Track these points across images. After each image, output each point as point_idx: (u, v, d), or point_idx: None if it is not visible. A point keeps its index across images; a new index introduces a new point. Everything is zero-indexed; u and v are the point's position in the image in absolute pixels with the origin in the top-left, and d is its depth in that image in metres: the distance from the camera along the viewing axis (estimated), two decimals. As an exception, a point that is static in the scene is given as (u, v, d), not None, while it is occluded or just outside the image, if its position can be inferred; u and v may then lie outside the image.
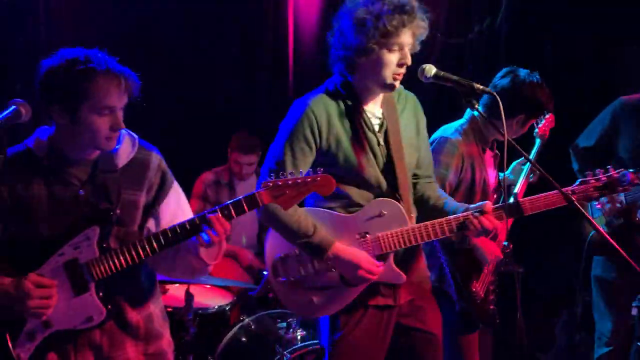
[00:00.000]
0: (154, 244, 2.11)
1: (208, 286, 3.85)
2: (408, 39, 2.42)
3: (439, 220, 2.54)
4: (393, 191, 2.54)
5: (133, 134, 2.24)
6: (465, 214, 2.53)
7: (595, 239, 3.52)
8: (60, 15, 4.06)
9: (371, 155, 2.51)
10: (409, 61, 2.45)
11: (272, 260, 2.55)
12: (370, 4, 2.40)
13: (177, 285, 3.66)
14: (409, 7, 2.39)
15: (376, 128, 2.55)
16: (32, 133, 2.19)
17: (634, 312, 3.74)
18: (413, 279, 2.62)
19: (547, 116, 3.40)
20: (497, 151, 3.16)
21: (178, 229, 2.12)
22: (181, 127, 4.59)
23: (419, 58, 2.52)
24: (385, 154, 2.54)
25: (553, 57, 4.60)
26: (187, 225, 2.12)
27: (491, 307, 3.06)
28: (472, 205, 2.58)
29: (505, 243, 3.08)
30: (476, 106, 2.48)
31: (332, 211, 2.52)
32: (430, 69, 2.46)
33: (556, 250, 4.94)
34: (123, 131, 2.19)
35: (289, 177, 2.12)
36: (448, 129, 3.05)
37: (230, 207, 2.12)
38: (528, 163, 3.22)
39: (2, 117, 1.89)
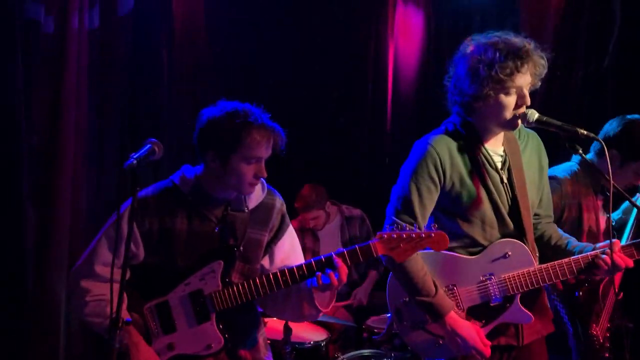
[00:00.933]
0: (274, 281, 2.25)
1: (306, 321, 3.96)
2: (525, 80, 2.43)
3: (567, 259, 2.53)
4: (517, 231, 2.55)
5: (263, 180, 2.41)
6: (594, 252, 2.51)
7: None
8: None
9: (495, 194, 2.53)
10: (527, 102, 2.45)
11: (396, 303, 2.59)
12: (483, 51, 2.41)
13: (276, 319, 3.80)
14: (522, 51, 2.39)
15: (499, 165, 2.56)
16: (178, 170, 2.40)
17: None
18: (538, 319, 2.61)
19: None
20: (607, 193, 3.11)
21: (304, 267, 2.25)
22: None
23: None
24: (509, 192, 2.55)
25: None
26: (314, 264, 2.24)
27: (607, 354, 2.97)
28: (598, 244, 2.55)
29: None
30: (579, 151, 2.49)
31: (454, 253, 2.53)
32: (533, 114, 2.48)
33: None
34: None
35: (406, 230, 2.22)
36: (558, 169, 3.05)
37: (346, 255, 2.23)
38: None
39: (139, 154, 2.07)
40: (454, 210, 2.48)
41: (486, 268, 2.52)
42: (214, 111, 2.28)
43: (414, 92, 5.03)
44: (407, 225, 2.37)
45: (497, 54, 2.38)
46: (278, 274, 2.27)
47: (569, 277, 2.51)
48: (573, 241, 2.64)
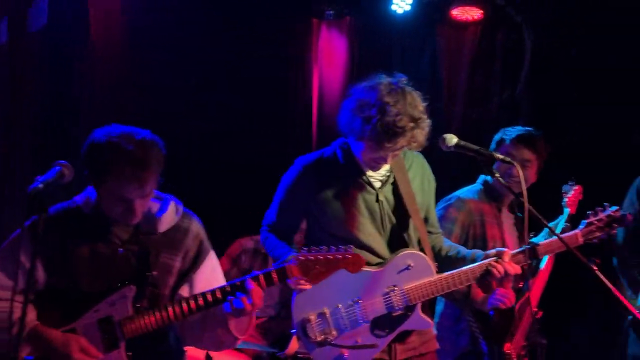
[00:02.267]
0: (186, 306, 2.16)
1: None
2: (393, 149, 2.48)
3: (463, 269, 2.62)
4: (399, 243, 2.63)
5: (179, 202, 2.33)
6: (487, 261, 2.60)
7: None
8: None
9: (366, 213, 2.60)
10: (385, 163, 2.57)
11: (300, 319, 2.58)
12: (370, 104, 2.45)
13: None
14: (399, 128, 2.42)
15: (376, 185, 2.64)
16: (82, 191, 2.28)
17: None
18: (416, 336, 2.65)
19: (575, 187, 3.52)
20: (518, 214, 3.26)
21: (217, 291, 2.17)
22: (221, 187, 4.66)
23: (439, 127, 2.62)
24: (391, 207, 2.63)
25: (577, 131, 4.68)
26: (227, 288, 2.16)
27: None
28: (490, 251, 2.64)
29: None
30: (496, 175, 2.58)
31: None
32: (452, 139, 2.57)
33: (583, 322, 4.87)
34: (170, 199, 2.28)
35: (322, 252, 2.18)
36: (464, 190, 3.24)
37: (260, 278, 2.17)
38: (560, 224, 3.30)
39: (46, 177, 1.97)
40: (324, 226, 2.59)
41: (390, 280, 2.58)
42: (99, 134, 2.15)
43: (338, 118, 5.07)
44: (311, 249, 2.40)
45: (377, 118, 2.42)
46: (190, 299, 2.18)
47: (464, 284, 2.61)
48: (462, 249, 2.75)
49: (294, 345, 2.61)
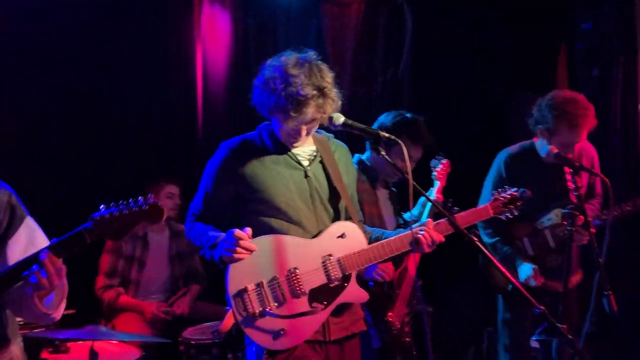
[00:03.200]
0: None
1: (115, 342, 3.67)
2: (303, 119, 2.51)
3: (393, 238, 2.66)
4: (330, 218, 2.64)
5: None
6: (415, 229, 2.64)
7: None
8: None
9: (295, 189, 2.60)
10: (300, 138, 2.60)
11: (236, 291, 2.50)
12: (280, 77, 2.49)
13: (81, 342, 3.48)
14: (305, 98, 2.46)
15: (304, 162, 2.66)
16: None
17: (534, 344, 3.98)
18: (347, 316, 2.67)
19: (443, 161, 3.69)
20: (392, 189, 3.37)
21: (13, 268, 1.99)
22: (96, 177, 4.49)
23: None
24: (319, 184, 2.65)
25: (453, 106, 4.90)
26: (22, 263, 1.99)
27: (407, 339, 3.16)
28: (414, 225, 2.69)
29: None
30: (382, 152, 2.62)
31: (295, 237, 2.57)
32: (339, 118, 2.59)
33: (465, 287, 5.14)
34: None
35: (118, 207, 2.04)
36: None
37: (56, 246, 1.99)
38: (429, 202, 3.43)
39: None
40: (254, 207, 2.58)
41: (326, 249, 2.58)
42: None
43: (224, 93, 4.97)
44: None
45: (281, 89, 2.47)
46: None
47: (397, 252, 2.64)
48: (387, 232, 2.79)
49: (228, 321, 2.50)
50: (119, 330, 3.96)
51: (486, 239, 3.69)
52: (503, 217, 2.93)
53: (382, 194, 3.38)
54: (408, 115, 3.38)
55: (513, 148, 3.70)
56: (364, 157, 3.41)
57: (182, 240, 4.45)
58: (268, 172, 2.61)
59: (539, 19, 4.94)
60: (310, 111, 2.49)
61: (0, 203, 2.12)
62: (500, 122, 5.01)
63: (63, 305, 2.15)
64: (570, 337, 2.36)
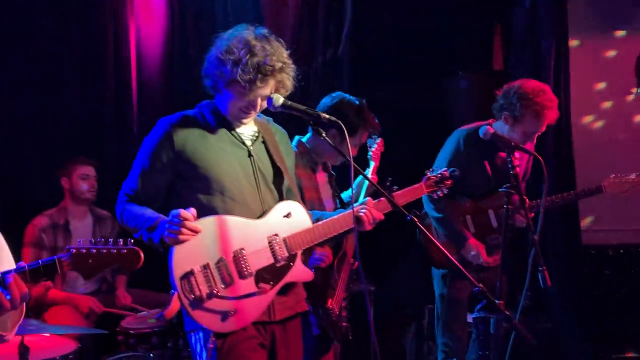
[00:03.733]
0: None
1: (47, 335, 3.47)
2: (261, 92, 2.49)
3: (336, 217, 2.65)
4: (273, 198, 2.61)
5: None
6: (357, 207, 2.65)
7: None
8: None
9: (239, 168, 2.56)
10: (255, 111, 2.55)
11: (182, 274, 2.42)
12: (238, 47, 2.45)
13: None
14: (269, 67, 2.45)
15: (247, 142, 2.62)
16: None
17: (469, 319, 4.12)
18: (291, 295, 2.65)
19: (378, 141, 3.71)
20: (332, 172, 3.36)
21: None
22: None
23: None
24: (262, 164, 2.61)
25: (392, 87, 4.92)
26: None
27: (344, 324, 3.18)
28: (355, 204, 2.68)
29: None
30: (323, 134, 2.60)
31: (241, 217, 2.52)
32: (278, 99, 2.54)
33: (404, 266, 5.23)
34: None
35: (97, 246, 2.04)
36: None
37: (27, 273, 1.95)
38: (366, 180, 3.44)
39: None
40: (195, 185, 2.51)
41: (271, 229, 2.55)
42: None
43: (160, 72, 4.82)
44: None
45: (246, 58, 2.44)
46: None
47: (343, 230, 2.64)
48: (327, 213, 2.79)
49: (174, 306, 2.40)
50: (51, 324, 3.81)
51: (434, 214, 3.78)
52: (434, 196, 3.01)
53: (322, 177, 3.34)
54: (354, 99, 3.32)
55: (472, 127, 3.78)
56: (304, 139, 3.35)
57: (106, 225, 4.33)
58: (212, 149, 2.54)
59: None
60: (272, 83, 2.48)
61: None
62: (438, 102, 5.07)
63: (16, 328, 2.07)
64: (507, 313, 2.42)
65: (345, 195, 3.41)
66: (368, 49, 4.94)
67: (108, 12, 4.67)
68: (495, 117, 3.77)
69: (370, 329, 2.61)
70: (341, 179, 3.31)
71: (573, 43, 4.99)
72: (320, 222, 2.63)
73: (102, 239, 2.07)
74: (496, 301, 2.42)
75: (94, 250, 2.02)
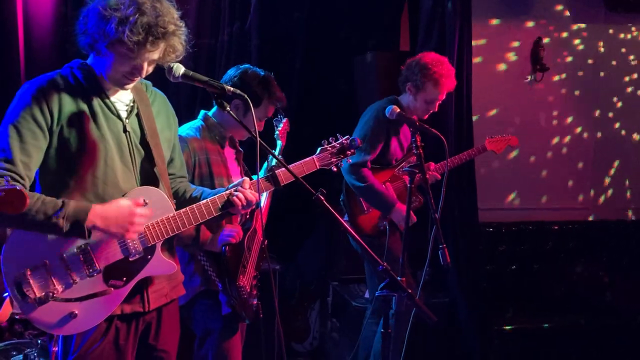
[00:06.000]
0: None
1: None
2: (149, 56, 2.25)
3: (204, 201, 2.46)
4: (149, 179, 2.40)
5: None
6: (228, 191, 2.51)
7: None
8: None
9: (114, 144, 2.33)
10: (139, 76, 2.31)
11: (15, 276, 2.19)
12: (125, 4, 2.18)
13: None
14: (161, 29, 2.20)
15: (123, 114, 2.39)
16: None
17: (366, 294, 4.24)
18: (166, 282, 2.50)
19: (284, 120, 3.68)
20: (239, 148, 3.25)
21: None
22: None
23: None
24: (134, 140, 2.39)
25: (301, 64, 4.86)
26: None
27: (254, 302, 3.12)
28: (230, 185, 2.56)
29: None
30: (227, 108, 2.49)
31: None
32: (179, 68, 2.39)
33: (309, 241, 5.23)
34: None
35: None
36: (184, 128, 3.08)
37: None
38: (270, 158, 3.38)
39: None
40: (63, 161, 2.24)
41: None
42: None
43: (50, 36, 4.48)
44: None
45: (135, 17, 2.17)
46: None
47: (207, 217, 2.46)
48: (206, 190, 2.63)
49: (6, 310, 2.19)
50: None
51: (356, 183, 3.90)
52: (334, 168, 2.95)
53: (230, 153, 3.20)
54: (259, 71, 3.20)
55: (385, 102, 3.94)
56: (210, 112, 3.20)
57: None
58: (85, 121, 2.26)
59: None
60: (162, 47, 2.23)
61: None
62: (345, 82, 5.07)
63: None
64: (410, 290, 2.44)
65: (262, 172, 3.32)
66: (275, 24, 4.83)
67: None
68: (400, 90, 4.02)
69: (275, 308, 2.56)
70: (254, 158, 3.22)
71: (476, 25, 5.11)
72: (184, 209, 2.40)
73: None
74: (398, 279, 2.44)
75: None
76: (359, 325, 4.19)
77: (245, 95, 2.45)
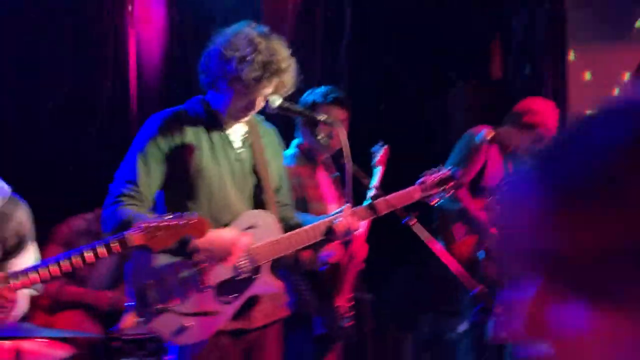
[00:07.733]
0: None
1: (44, 340, 3.42)
2: (264, 92, 2.45)
3: (306, 227, 2.58)
4: (258, 206, 2.56)
5: (5, 185, 2.14)
6: (330, 217, 2.60)
7: None
8: None
9: (228, 172, 2.51)
10: (253, 110, 2.50)
11: (137, 287, 2.40)
12: (243, 44, 2.40)
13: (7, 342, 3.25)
14: (277, 66, 2.40)
15: (237, 145, 2.57)
16: None
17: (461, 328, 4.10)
18: (270, 301, 2.61)
19: (383, 148, 3.69)
20: (337, 173, 3.31)
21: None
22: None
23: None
24: (249, 168, 2.56)
25: (392, 94, 4.92)
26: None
27: (349, 324, 3.13)
28: (332, 213, 2.65)
29: None
30: (319, 137, 2.60)
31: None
32: (275, 100, 2.53)
33: (401, 272, 5.18)
34: None
35: (164, 218, 2.07)
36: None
37: (97, 249, 2.01)
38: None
39: None
40: (181, 187, 2.47)
41: None
42: None
43: (159, 81, 4.82)
44: (134, 204, 2.28)
45: (253, 56, 2.37)
46: None
47: (312, 241, 2.57)
48: (309, 217, 2.75)
49: (130, 319, 2.42)
50: (54, 326, 3.71)
51: (453, 206, 3.69)
52: (434, 201, 2.89)
53: (324, 177, 3.28)
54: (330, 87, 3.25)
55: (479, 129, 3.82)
56: (301, 139, 3.27)
57: None
58: (203, 150, 2.48)
59: (475, 8, 5.02)
60: (277, 83, 2.42)
61: (12, 222, 2.12)
62: (436, 113, 5.07)
63: None
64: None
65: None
66: (366, 59, 4.93)
67: (108, 23, 4.66)
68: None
69: (366, 339, 2.57)
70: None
71: (571, 55, 4.99)
72: (287, 235, 2.55)
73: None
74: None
75: (164, 223, 2.05)
76: (453, 359, 4.09)
77: (334, 122, 2.54)
